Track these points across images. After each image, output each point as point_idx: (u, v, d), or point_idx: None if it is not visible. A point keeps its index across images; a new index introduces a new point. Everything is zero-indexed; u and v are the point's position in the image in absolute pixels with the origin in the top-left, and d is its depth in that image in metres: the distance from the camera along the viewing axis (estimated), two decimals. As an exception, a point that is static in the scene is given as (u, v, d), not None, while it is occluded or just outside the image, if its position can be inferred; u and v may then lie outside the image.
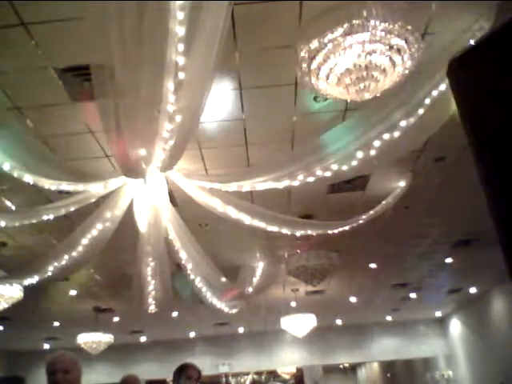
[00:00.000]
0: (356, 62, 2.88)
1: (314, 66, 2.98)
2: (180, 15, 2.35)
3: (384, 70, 2.95)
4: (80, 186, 3.97)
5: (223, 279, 5.59)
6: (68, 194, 4.26)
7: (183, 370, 3.60)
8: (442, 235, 7.29)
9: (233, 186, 3.96)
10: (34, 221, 4.38)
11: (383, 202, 5.16)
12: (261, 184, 3.89)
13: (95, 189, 4.07)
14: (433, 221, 6.73)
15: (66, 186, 3.87)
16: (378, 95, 3.13)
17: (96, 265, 7.14)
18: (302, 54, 2.95)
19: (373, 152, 3.50)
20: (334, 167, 3.62)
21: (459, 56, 0.98)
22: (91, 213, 4.37)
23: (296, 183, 3.81)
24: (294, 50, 3.04)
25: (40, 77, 3.56)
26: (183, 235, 4.69)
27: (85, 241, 4.49)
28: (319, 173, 3.66)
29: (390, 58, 2.90)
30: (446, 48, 3.01)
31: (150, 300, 5.40)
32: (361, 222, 5.05)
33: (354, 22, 2.72)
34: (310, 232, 5.10)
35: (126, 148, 3.18)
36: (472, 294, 10.86)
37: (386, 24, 2.74)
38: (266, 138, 4.61)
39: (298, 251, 7.04)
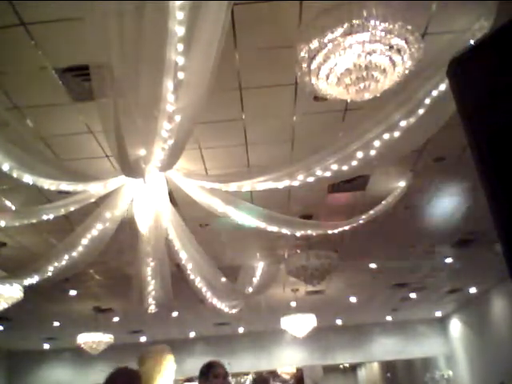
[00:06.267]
0: (356, 61, 2.87)
1: (314, 66, 2.98)
2: (180, 15, 2.35)
3: (384, 70, 2.94)
4: (80, 186, 3.97)
5: (223, 279, 5.59)
6: (68, 194, 4.25)
7: (210, 369, 3.54)
8: (442, 235, 7.29)
9: (233, 186, 3.96)
10: (34, 221, 4.38)
11: (383, 202, 5.15)
12: (261, 184, 3.89)
13: (95, 189, 4.07)
14: (433, 221, 6.72)
15: (65, 186, 3.87)
16: (378, 95, 3.13)
17: (96, 265, 7.14)
18: (302, 54, 2.95)
19: (373, 152, 3.49)
20: (334, 167, 3.61)
21: (459, 56, 0.98)
22: (91, 213, 4.37)
23: (296, 183, 3.81)
24: (293, 49, 3.03)
25: (40, 77, 3.55)
26: (183, 235, 4.69)
27: (85, 241, 4.49)
28: (319, 173, 3.66)
29: (390, 58, 2.90)
30: (446, 48, 3.01)
31: (150, 300, 5.40)
32: (361, 221, 5.05)
33: (353, 21, 2.72)
34: (309, 232, 5.10)
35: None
36: (472, 293, 10.86)
37: (386, 24, 2.74)
38: (265, 138, 4.61)
39: (298, 251, 7.05)
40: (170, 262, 4.97)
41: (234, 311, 6.86)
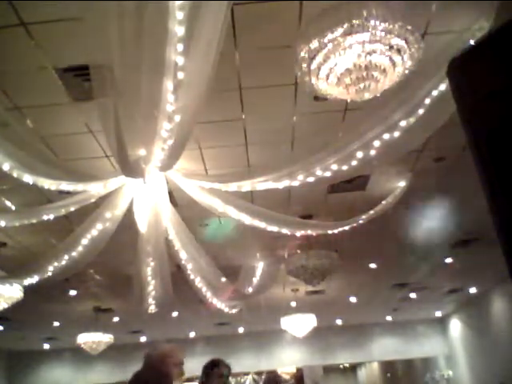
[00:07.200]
0: (356, 61, 2.87)
1: (313, 66, 2.98)
2: (179, 15, 2.35)
3: (384, 70, 2.94)
4: (80, 186, 3.97)
5: (223, 279, 5.59)
6: (68, 193, 4.26)
7: (214, 368, 3.52)
8: (442, 235, 7.29)
9: (233, 186, 3.96)
10: (34, 221, 4.38)
11: (383, 202, 5.15)
12: (261, 184, 3.89)
13: (95, 189, 4.07)
14: (433, 221, 6.72)
15: (65, 185, 3.87)
16: (378, 95, 3.13)
17: (96, 265, 7.14)
18: (302, 54, 2.95)
19: (373, 152, 3.50)
20: (334, 167, 3.61)
21: (459, 56, 0.98)
22: (91, 213, 4.37)
23: (296, 183, 3.81)
24: (293, 49, 3.03)
25: (40, 77, 3.56)
26: (183, 235, 4.69)
27: (85, 241, 4.49)
28: (319, 173, 3.66)
29: (390, 58, 2.90)
30: (446, 48, 3.01)
31: (150, 300, 5.40)
32: (361, 221, 5.05)
33: (353, 22, 2.72)
34: (309, 232, 5.10)
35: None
36: (472, 293, 10.85)
37: (386, 24, 2.74)
38: (265, 138, 4.61)
39: (298, 251, 7.04)
40: (170, 261, 4.97)
41: (234, 311, 6.86)
